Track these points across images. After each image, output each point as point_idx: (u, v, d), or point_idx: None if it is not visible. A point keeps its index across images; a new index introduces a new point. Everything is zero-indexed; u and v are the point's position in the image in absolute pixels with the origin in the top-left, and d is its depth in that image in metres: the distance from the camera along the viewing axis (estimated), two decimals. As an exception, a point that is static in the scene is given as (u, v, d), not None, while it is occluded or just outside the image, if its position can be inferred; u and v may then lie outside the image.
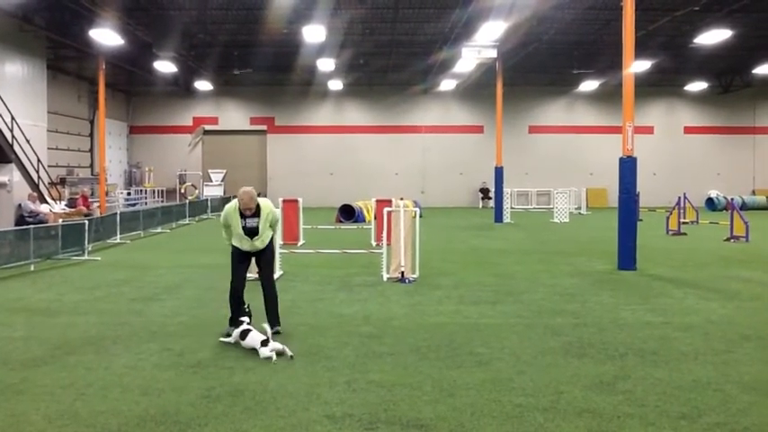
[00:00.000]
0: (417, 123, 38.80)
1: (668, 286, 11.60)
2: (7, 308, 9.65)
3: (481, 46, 24.04)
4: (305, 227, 18.26)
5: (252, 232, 7.76)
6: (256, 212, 7.73)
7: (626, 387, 5.98)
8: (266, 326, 7.10)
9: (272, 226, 8.04)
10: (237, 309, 7.79)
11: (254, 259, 8.10)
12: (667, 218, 21.92)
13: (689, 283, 11.91)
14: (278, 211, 8.28)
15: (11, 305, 9.86)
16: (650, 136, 37.71)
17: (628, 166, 13.69)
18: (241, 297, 7.93)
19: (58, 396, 5.75)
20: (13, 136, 20.73)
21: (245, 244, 7.84)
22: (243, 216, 7.73)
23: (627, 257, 13.45)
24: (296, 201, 18.14)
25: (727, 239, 18.94)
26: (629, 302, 10.00)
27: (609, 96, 35.75)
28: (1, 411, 5.39)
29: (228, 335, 7.53)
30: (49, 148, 25.84)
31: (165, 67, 29.29)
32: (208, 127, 38.78)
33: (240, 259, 7.98)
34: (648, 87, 35.04)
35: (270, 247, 8.08)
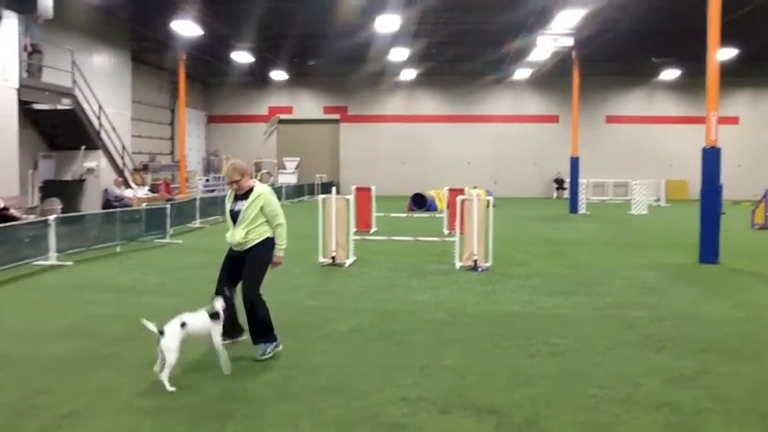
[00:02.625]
0: (490, 113, 38.35)
1: (753, 281, 11.15)
2: (96, 287, 10.14)
3: (557, 34, 23.58)
4: (377, 215, 18.39)
5: (236, 217, 6.33)
6: (247, 194, 6.32)
7: (708, 382, 5.80)
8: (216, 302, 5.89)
9: (269, 221, 6.37)
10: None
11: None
12: (753, 211, 20.97)
13: (776, 278, 11.42)
14: (276, 202, 6.43)
15: (99, 284, 10.35)
16: (734, 126, 36.08)
17: (711, 157, 13.18)
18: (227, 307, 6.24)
19: (144, 371, 5.99)
20: (100, 124, 21.66)
21: (228, 234, 6.43)
22: (236, 198, 6.44)
23: (709, 251, 12.98)
24: (369, 189, 18.26)
25: (818, 235, 18.01)
26: (711, 297, 9.67)
27: (690, 86, 34.41)
28: (92, 382, 5.69)
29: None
30: (132, 136, 26.91)
31: (241, 57, 30.03)
32: (282, 116, 39.45)
33: (228, 260, 6.56)
34: (733, 77, 33.42)
35: (259, 252, 6.35)
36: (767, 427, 4.85)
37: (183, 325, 5.57)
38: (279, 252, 6.47)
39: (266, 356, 6.29)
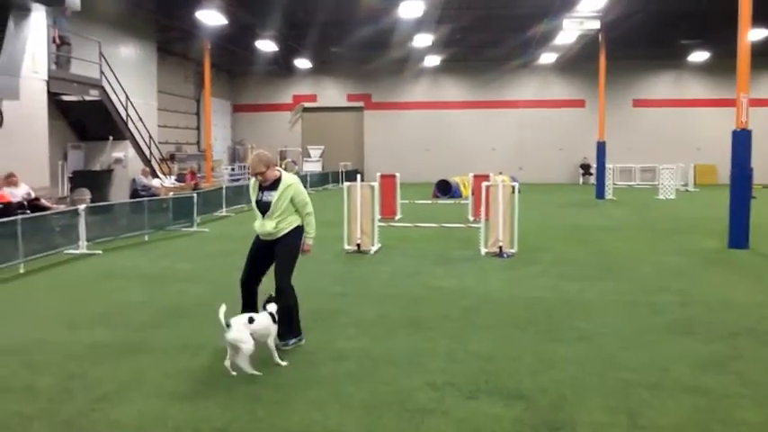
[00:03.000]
0: (515, 98, 38.05)
1: (785, 266, 10.98)
2: (125, 275, 10.31)
3: (583, 17, 23.29)
4: (402, 201, 18.40)
5: (264, 208, 6.32)
6: (275, 185, 6.32)
7: (738, 367, 5.74)
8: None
9: (298, 210, 6.38)
10: (245, 303, 6.47)
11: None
12: (784, 195, 20.62)
13: (808, 263, 11.24)
14: (305, 192, 6.44)
15: (128, 272, 10.52)
16: (766, 109, 35.36)
17: (741, 140, 12.96)
18: (249, 295, 6.52)
19: (174, 355, 6.12)
20: (127, 114, 21.91)
21: (257, 224, 6.43)
22: (261, 188, 6.42)
23: (739, 235, 12.79)
24: (393, 176, 18.27)
25: None
26: (740, 282, 9.55)
27: (720, 68, 33.71)
28: (123, 367, 5.81)
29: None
30: (159, 126, 27.20)
31: (265, 46, 30.16)
32: (307, 104, 39.54)
33: (255, 247, 6.55)
34: (764, 57, 32.78)
35: (290, 241, 6.38)
36: (798, 411, 4.80)
37: (250, 320, 5.60)
38: (308, 240, 6.49)
39: (287, 347, 6.30)
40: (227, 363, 5.54)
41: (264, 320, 5.77)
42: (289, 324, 6.31)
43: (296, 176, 6.61)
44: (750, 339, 6.60)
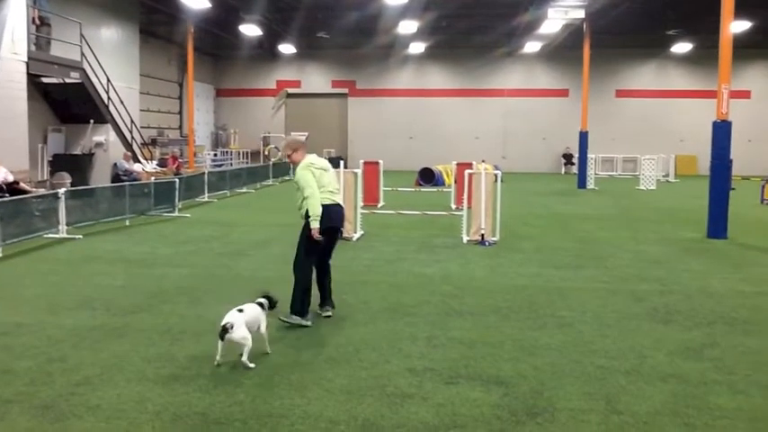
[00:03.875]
0: (499, 87, 38.09)
1: (762, 256, 11.13)
2: (107, 259, 10.23)
3: (568, 6, 23.31)
4: (385, 189, 18.40)
5: None
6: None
7: (714, 354, 5.84)
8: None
9: (300, 189, 6.67)
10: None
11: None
12: (763, 186, 20.86)
13: (785, 253, 11.40)
14: (304, 176, 6.60)
15: (110, 257, 10.44)
16: (746, 101, 35.65)
17: (722, 131, 13.08)
18: (318, 277, 6.96)
19: (156, 340, 6.10)
20: (108, 98, 21.63)
21: None
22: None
23: (717, 225, 12.94)
24: (377, 163, 18.26)
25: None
26: (718, 271, 9.67)
27: (702, 59, 33.94)
28: (105, 352, 5.78)
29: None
30: (141, 110, 26.89)
31: (250, 30, 29.91)
32: (290, 90, 39.30)
33: None
34: (746, 49, 32.98)
35: (304, 226, 6.67)
36: (772, 398, 4.89)
37: (240, 311, 5.53)
38: (312, 224, 6.50)
39: (285, 321, 6.49)
40: (219, 358, 5.44)
41: (253, 311, 5.73)
42: (292, 301, 6.55)
43: (317, 159, 6.88)
44: (726, 327, 6.70)
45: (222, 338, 5.37)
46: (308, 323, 6.55)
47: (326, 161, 7.10)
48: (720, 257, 10.84)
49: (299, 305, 6.55)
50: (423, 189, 22.62)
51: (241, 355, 5.39)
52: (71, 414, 4.50)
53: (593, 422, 4.44)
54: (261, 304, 5.84)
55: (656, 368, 5.46)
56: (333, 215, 6.63)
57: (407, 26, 29.37)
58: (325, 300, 6.99)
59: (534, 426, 4.38)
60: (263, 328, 5.75)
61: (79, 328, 6.45)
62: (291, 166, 6.80)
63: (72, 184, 16.92)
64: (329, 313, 6.91)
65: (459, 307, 7.41)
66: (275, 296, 6.05)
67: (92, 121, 20.37)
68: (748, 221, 15.24)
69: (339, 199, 6.87)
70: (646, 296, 7.98)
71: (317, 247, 6.67)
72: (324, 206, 6.51)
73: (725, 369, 5.46)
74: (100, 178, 19.92)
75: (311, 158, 6.85)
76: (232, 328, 5.35)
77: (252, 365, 5.38)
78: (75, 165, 19.53)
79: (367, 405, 4.68)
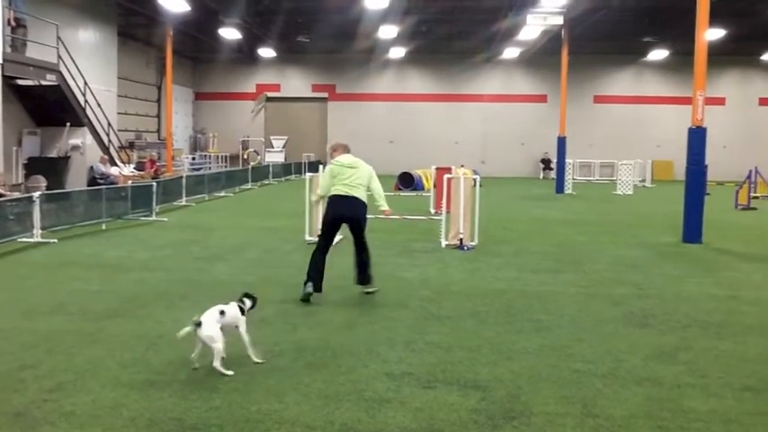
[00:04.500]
0: (479, 92, 38.30)
1: (735, 260, 11.28)
2: (83, 263, 10.12)
3: (547, 12, 23.51)
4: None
5: None
6: None
7: (688, 358, 5.91)
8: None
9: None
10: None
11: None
12: (737, 191, 21.14)
13: (758, 257, 11.57)
14: (323, 175, 8.42)
15: (86, 261, 10.33)
16: (721, 107, 36.21)
17: (697, 137, 13.26)
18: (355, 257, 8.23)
19: (132, 345, 6.04)
20: (85, 100, 21.42)
21: None
22: None
23: (693, 230, 13.10)
24: (356, 167, 18.23)
25: (801, 215, 18.20)
26: (693, 275, 9.79)
27: (679, 66, 34.41)
28: (80, 357, 5.71)
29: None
30: (118, 113, 26.65)
31: (229, 34, 29.80)
32: (270, 94, 39.18)
33: None
34: (721, 56, 33.49)
35: None
36: (743, 400, 4.95)
37: (222, 313, 5.46)
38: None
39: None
40: (194, 356, 5.40)
41: (233, 311, 5.68)
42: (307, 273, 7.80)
43: (347, 158, 8.05)
44: (700, 331, 6.79)
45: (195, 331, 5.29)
46: (309, 290, 7.62)
47: (359, 160, 8.11)
48: (695, 262, 10.97)
49: (308, 275, 7.72)
50: (402, 194, 22.65)
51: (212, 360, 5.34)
52: (44, 421, 4.44)
53: (570, 426, 4.47)
54: (241, 306, 5.79)
55: (632, 372, 5.51)
56: (338, 206, 7.78)
57: (388, 31, 29.45)
58: (362, 277, 8.03)
59: (511, 429, 4.40)
60: (242, 331, 5.69)
61: (54, 333, 6.36)
62: None
63: (47, 188, 16.72)
64: (370, 289, 8.00)
65: (437, 311, 7.43)
66: (255, 294, 6.01)
67: (68, 123, 20.13)
68: (723, 226, 15.45)
69: (357, 192, 7.76)
70: (623, 300, 8.06)
71: (327, 231, 7.99)
72: (334, 196, 7.75)
73: (698, 372, 5.53)
74: (76, 182, 19.69)
75: (342, 157, 8.02)
76: (199, 325, 5.27)
77: (229, 372, 5.30)
78: (50, 168, 19.29)
79: (344, 410, 4.67)
